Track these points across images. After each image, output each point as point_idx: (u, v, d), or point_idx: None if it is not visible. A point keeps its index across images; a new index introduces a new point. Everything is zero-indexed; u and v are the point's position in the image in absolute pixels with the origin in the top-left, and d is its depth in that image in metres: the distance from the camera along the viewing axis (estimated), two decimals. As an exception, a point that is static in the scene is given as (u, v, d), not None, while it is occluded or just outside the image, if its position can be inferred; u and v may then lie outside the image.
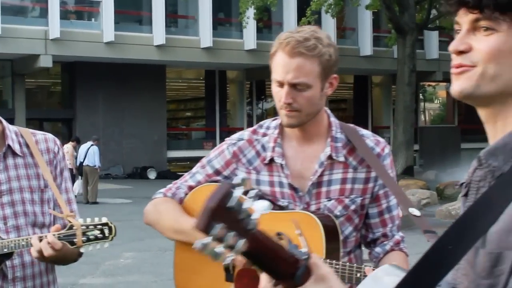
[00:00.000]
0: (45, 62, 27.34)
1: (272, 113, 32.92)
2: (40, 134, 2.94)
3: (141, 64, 30.19)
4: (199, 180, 2.70)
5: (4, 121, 2.87)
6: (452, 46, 1.32)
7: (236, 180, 1.33)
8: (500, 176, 1.24)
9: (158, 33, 29.40)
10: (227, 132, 35.27)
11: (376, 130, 34.40)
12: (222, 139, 30.09)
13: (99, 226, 2.61)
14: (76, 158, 21.13)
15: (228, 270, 2.51)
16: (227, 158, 2.68)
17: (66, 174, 2.96)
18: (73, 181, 20.88)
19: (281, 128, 2.64)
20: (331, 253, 2.42)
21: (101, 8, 28.80)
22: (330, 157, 2.57)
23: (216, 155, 2.71)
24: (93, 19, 29.90)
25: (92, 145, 20.96)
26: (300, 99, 2.46)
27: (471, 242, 1.19)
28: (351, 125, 2.73)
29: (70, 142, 21.63)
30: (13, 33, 26.55)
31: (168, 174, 30.16)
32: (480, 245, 1.23)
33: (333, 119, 2.65)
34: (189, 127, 36.58)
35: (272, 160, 2.61)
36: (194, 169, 2.75)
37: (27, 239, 2.65)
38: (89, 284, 9.72)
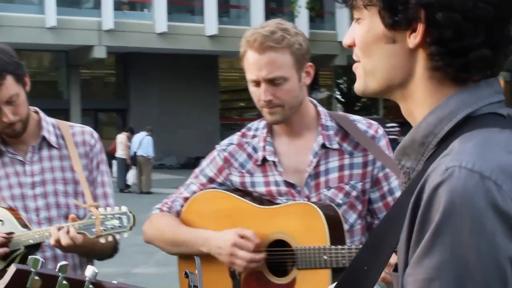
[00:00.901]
0: (99, 53, 27.64)
1: (326, 103, 32.75)
2: (78, 127, 2.92)
3: (193, 55, 30.29)
4: (194, 190, 2.67)
5: (41, 113, 2.88)
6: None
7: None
8: (409, 182, 1.22)
9: (211, 23, 29.43)
10: (279, 122, 35.27)
11: None
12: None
13: (117, 215, 2.56)
14: (129, 148, 21.30)
15: (235, 276, 2.47)
16: (219, 164, 2.65)
17: (104, 167, 2.92)
18: (127, 171, 21.11)
19: (269, 126, 2.61)
20: (336, 242, 2.38)
21: (154, -2, 28.97)
22: (323, 146, 2.53)
23: (208, 163, 2.69)
24: (146, 10, 30.09)
25: (146, 135, 21.13)
26: (280, 93, 2.43)
27: (383, 261, 1.22)
28: (341, 113, 2.69)
29: (124, 133, 21.85)
30: (68, 25, 26.89)
31: (221, 164, 30.29)
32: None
33: (320, 108, 2.60)
34: (242, 117, 36.60)
35: (264, 160, 2.57)
36: (188, 181, 2.72)
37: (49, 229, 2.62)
38: (142, 273, 9.77)
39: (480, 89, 1.22)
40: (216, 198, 2.61)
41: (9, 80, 2.64)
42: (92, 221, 2.56)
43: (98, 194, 2.86)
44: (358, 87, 1.32)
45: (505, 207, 1.07)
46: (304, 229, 2.40)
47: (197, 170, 2.71)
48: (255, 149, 2.61)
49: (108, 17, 27.53)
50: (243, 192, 2.59)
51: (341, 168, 2.53)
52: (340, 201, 2.51)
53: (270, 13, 32.09)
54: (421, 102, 1.24)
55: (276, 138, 2.60)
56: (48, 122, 2.87)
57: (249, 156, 2.62)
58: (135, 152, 21.03)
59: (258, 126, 2.66)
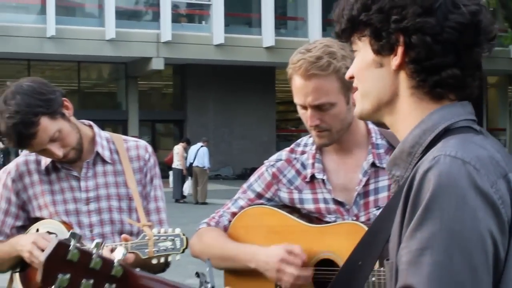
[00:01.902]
0: (157, 64, 27.93)
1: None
2: (132, 141, 2.92)
3: (250, 66, 30.40)
4: (242, 205, 2.65)
5: (95, 127, 2.90)
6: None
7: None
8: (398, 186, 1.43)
9: (268, 35, 29.50)
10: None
11: (491, 132, 33.14)
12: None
13: (170, 237, 2.55)
14: (186, 159, 21.44)
15: None
16: (267, 180, 2.63)
17: (157, 182, 2.91)
18: (183, 182, 21.24)
19: None
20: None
21: (211, 11, 29.16)
22: (373, 165, 2.50)
23: (256, 179, 2.67)
24: (203, 22, 30.31)
25: (202, 146, 21.24)
26: (327, 118, 2.42)
27: (375, 255, 1.47)
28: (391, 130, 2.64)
29: (181, 143, 22.01)
30: (127, 37, 27.27)
31: (277, 176, 30.26)
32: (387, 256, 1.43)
33: (371, 126, 2.58)
34: (298, 128, 36.53)
35: (313, 177, 2.55)
36: (235, 196, 2.70)
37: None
38: (195, 284, 9.80)
39: (456, 108, 1.44)
40: (263, 214, 2.58)
41: (44, 121, 2.65)
42: (145, 241, 2.55)
43: (151, 209, 2.85)
44: (356, 111, 1.54)
45: (483, 187, 1.28)
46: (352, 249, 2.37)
47: (245, 185, 2.69)
48: (304, 166, 2.59)
49: (166, 29, 27.81)
50: (291, 208, 2.57)
51: (390, 187, 2.47)
52: None
53: (327, 24, 32.04)
54: (405, 117, 1.46)
55: (326, 155, 2.58)
56: (102, 137, 2.88)
57: (298, 172, 2.60)
58: (191, 163, 21.14)
59: (307, 142, 2.65)
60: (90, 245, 2.68)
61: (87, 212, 2.78)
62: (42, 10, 26.87)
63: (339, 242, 2.40)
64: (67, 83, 29.89)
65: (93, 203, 2.78)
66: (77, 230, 2.72)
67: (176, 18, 29.10)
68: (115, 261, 1.63)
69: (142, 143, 2.93)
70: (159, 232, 2.56)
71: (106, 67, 31.53)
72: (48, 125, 2.65)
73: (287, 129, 36.22)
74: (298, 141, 2.69)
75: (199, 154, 21.05)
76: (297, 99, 2.45)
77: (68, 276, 1.57)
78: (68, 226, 2.73)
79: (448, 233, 1.26)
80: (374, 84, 1.48)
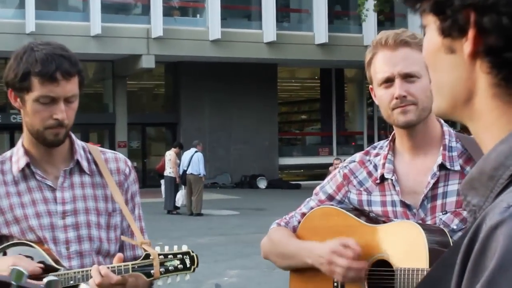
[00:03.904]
0: (147, 62, 27.99)
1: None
2: (110, 153, 2.91)
3: (250, 63, 30.44)
4: (312, 206, 2.82)
5: (73, 135, 2.84)
6: None
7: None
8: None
9: (269, 29, 29.56)
10: (345, 137, 35.09)
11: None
12: (339, 145, 29.85)
13: (179, 256, 2.55)
14: (179, 166, 21.44)
15: None
16: (338, 181, 2.79)
17: (138, 199, 2.91)
18: (176, 191, 21.24)
19: (391, 144, 2.71)
20: None
21: (207, 3, 29.21)
22: (444, 167, 2.60)
23: (329, 180, 2.84)
24: (198, 16, 30.38)
25: (196, 151, 21.21)
26: (414, 90, 2.54)
27: None
28: (471, 136, 2.71)
29: (173, 149, 21.98)
30: (114, 33, 27.32)
31: (280, 183, 30.27)
32: None
33: (446, 128, 2.68)
34: (303, 131, 36.59)
35: (383, 178, 2.68)
36: (309, 198, 2.88)
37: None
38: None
39: None
40: (330, 215, 2.75)
41: (77, 79, 2.67)
42: (150, 261, 2.52)
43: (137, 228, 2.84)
44: (433, 107, 1.27)
45: None
46: (406, 250, 2.50)
47: (318, 188, 2.86)
48: (375, 167, 2.73)
49: (157, 24, 27.87)
50: (360, 211, 2.72)
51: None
52: (455, 227, 2.56)
53: (334, 17, 32.10)
54: (489, 126, 1.16)
55: (397, 156, 2.70)
56: (79, 145, 2.85)
57: (369, 174, 2.74)
58: (184, 170, 21.12)
59: (383, 145, 2.77)
60: (69, 264, 2.65)
61: (63, 227, 2.72)
62: (20, 4, 26.94)
63: (394, 242, 2.55)
64: (49, 84, 29.88)
65: (70, 217, 2.73)
66: (52, 247, 2.68)
67: (168, 11, 29.17)
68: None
69: (121, 156, 2.94)
70: (163, 251, 2.54)
71: (91, 65, 31.52)
72: (76, 84, 2.68)
73: (291, 132, 36.26)
74: (375, 144, 2.84)
75: (193, 161, 21.03)
76: (382, 73, 2.57)
77: None
78: (46, 248, 2.67)
79: None
80: (446, 75, 1.20)
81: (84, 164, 2.80)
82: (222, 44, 28.83)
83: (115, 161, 2.87)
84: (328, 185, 2.81)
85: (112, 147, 29.92)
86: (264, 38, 29.54)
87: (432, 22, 1.18)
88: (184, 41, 28.28)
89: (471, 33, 1.11)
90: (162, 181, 22.31)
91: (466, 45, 1.13)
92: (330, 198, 2.79)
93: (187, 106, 30.80)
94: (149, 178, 30.05)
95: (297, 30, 31.00)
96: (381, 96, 2.59)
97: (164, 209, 21.35)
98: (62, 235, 2.71)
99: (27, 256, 2.62)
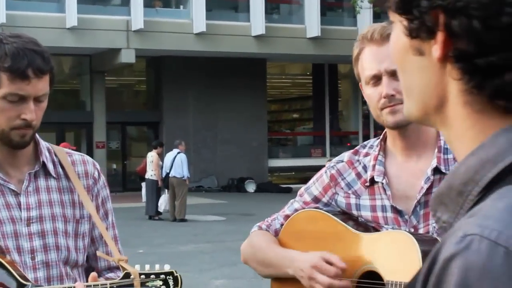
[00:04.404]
0: (127, 57, 27.92)
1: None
2: (77, 155, 2.86)
3: (237, 58, 30.45)
4: (296, 208, 2.80)
5: (37, 136, 2.77)
6: None
7: None
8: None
9: (257, 21, 29.57)
10: (338, 137, 35.15)
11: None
12: (333, 145, 30.04)
13: (162, 276, 2.51)
14: (161, 168, 21.39)
15: None
16: (325, 182, 2.76)
17: (110, 205, 2.87)
18: (159, 195, 21.22)
19: (382, 144, 2.68)
20: None
21: (192, -7, 29.22)
22: (438, 171, 2.56)
23: (314, 181, 2.81)
24: (181, 7, 30.35)
25: (178, 152, 21.17)
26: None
27: None
28: None
29: (154, 150, 21.91)
30: (91, 25, 27.24)
31: (269, 187, 30.28)
32: None
33: None
34: (294, 131, 36.63)
35: (373, 181, 2.65)
36: (292, 199, 2.86)
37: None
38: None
39: None
40: (315, 219, 2.73)
41: (47, 77, 2.63)
42: (130, 281, 2.48)
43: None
44: (404, 111, 1.25)
45: None
46: (398, 262, 2.48)
47: (302, 188, 2.85)
48: (365, 169, 2.71)
49: (137, 15, 27.80)
50: (347, 215, 2.70)
51: None
52: None
53: (327, 9, 32.14)
54: (461, 135, 1.14)
55: (389, 158, 2.68)
56: (44, 146, 2.79)
57: (358, 175, 2.72)
58: (167, 173, 21.09)
59: (373, 144, 2.75)
60: (35, 275, 2.57)
61: (27, 235, 2.65)
62: (-10, -7, 26.87)
63: (385, 253, 2.52)
64: (21, 80, 29.80)
65: (35, 224, 2.67)
66: (15, 257, 2.61)
67: (149, 2, 29.13)
68: None
69: (89, 158, 2.89)
70: (144, 269, 2.50)
71: (67, 60, 31.48)
72: (47, 83, 2.63)
73: (281, 132, 36.32)
74: (365, 142, 2.80)
75: (176, 162, 20.99)
76: (369, 71, 2.55)
77: None
78: (9, 261, 2.57)
79: None
80: (415, 78, 1.17)
81: (50, 166, 2.74)
82: (207, 37, 28.81)
83: (83, 163, 2.82)
84: (314, 186, 2.79)
85: (89, 147, 29.88)
86: (252, 31, 29.55)
87: (398, 21, 1.16)
88: (166, 34, 28.23)
89: (440, 36, 1.09)
90: (143, 184, 22.27)
91: (435, 49, 1.11)
92: (316, 200, 2.77)
93: (170, 104, 30.78)
94: (129, 181, 30.05)
95: (287, 22, 31.03)
96: (370, 95, 2.58)
97: (145, 214, 21.32)
98: (26, 244, 2.65)
99: None
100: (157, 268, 2.51)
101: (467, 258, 0.97)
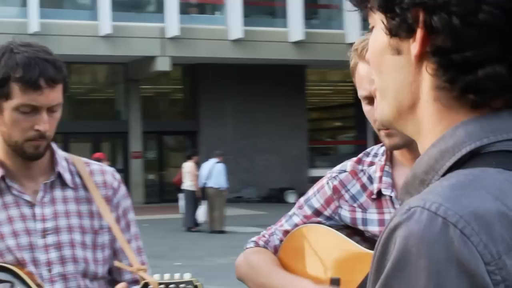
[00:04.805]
0: (162, 65, 28.09)
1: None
2: (95, 165, 2.85)
3: (275, 65, 30.44)
4: (296, 223, 2.70)
5: (53, 145, 2.79)
6: None
7: None
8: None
9: (296, 27, 29.55)
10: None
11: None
12: (375, 154, 29.71)
13: (181, 285, 2.48)
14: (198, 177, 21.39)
15: None
16: (327, 194, 2.66)
17: (133, 216, 2.87)
18: (196, 206, 21.23)
19: (388, 153, 2.61)
20: None
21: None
22: None
23: (315, 192, 2.71)
24: (217, 13, 30.46)
25: (217, 162, 21.18)
26: None
27: None
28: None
29: (190, 160, 21.92)
30: (125, 32, 27.42)
31: (310, 197, 30.18)
32: None
33: None
34: (335, 139, 36.53)
35: (380, 194, 2.57)
36: (291, 211, 2.75)
37: None
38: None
39: (499, 120, 1.17)
40: (318, 234, 2.65)
41: (61, 86, 2.62)
42: None
43: (132, 249, 2.79)
44: (376, 114, 1.31)
45: (471, 264, 1.03)
46: None
47: (302, 199, 2.75)
48: (370, 180, 2.63)
49: (172, 22, 27.97)
50: (353, 230, 2.62)
51: None
52: None
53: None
54: (427, 131, 1.22)
55: (396, 168, 2.61)
56: (61, 156, 2.79)
57: (363, 187, 2.63)
58: (204, 183, 21.09)
59: (377, 152, 2.68)
60: None
61: (44, 246, 2.66)
62: (23, 1, 27.13)
63: None
64: (55, 89, 30.06)
65: (52, 236, 2.67)
66: (32, 269, 2.62)
67: (185, 8, 29.26)
68: None
69: (108, 168, 2.89)
70: (162, 279, 2.48)
71: (101, 68, 31.75)
72: (60, 92, 2.62)
73: (322, 141, 36.23)
74: (368, 150, 2.72)
75: (214, 173, 20.98)
76: (362, 90, 2.51)
77: None
78: (27, 272, 2.59)
79: None
80: (391, 78, 1.24)
81: (67, 176, 2.74)
82: (244, 44, 28.85)
83: (102, 173, 2.82)
84: (315, 198, 2.70)
85: (125, 157, 30.06)
86: (291, 37, 29.52)
87: (379, 21, 1.23)
88: (202, 41, 28.31)
89: (419, 33, 1.17)
90: (180, 195, 22.30)
91: (414, 46, 1.18)
92: (317, 213, 2.68)
93: (208, 113, 30.85)
94: (166, 192, 30.14)
95: (327, 28, 30.98)
96: (367, 112, 2.53)
97: (183, 226, 21.36)
98: (43, 256, 2.65)
99: (5, 281, 2.57)
100: (176, 277, 2.49)
101: (408, 226, 1.06)
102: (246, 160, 30.97)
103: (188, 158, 22.17)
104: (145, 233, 19.01)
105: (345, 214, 2.63)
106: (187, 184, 21.51)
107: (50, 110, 2.59)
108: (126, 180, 29.45)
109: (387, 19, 1.20)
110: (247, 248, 2.77)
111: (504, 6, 1.13)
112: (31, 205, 2.69)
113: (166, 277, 2.48)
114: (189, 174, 21.54)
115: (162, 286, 2.47)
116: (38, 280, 2.58)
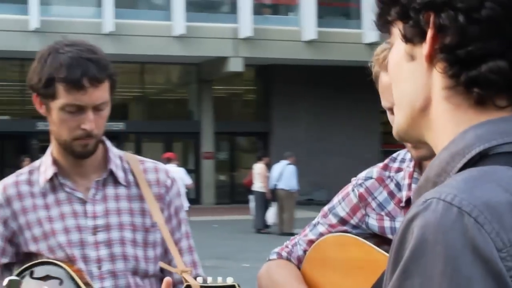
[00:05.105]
0: (235, 65, 28.23)
1: None
2: (150, 162, 2.86)
3: (349, 67, 30.27)
4: (321, 232, 2.62)
5: (108, 143, 2.83)
6: None
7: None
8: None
9: (370, 28, 29.36)
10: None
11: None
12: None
13: None
14: (269, 179, 21.38)
15: None
16: (353, 202, 2.59)
17: (184, 215, 2.87)
18: (266, 208, 21.24)
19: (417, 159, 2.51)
20: None
21: (300, 0, 29.25)
22: None
23: (340, 200, 2.63)
24: (291, 14, 30.44)
25: (288, 164, 21.13)
26: None
27: None
28: None
29: (261, 161, 21.94)
30: (198, 33, 27.60)
31: (383, 200, 29.97)
32: None
33: None
34: (408, 142, 36.16)
35: (409, 202, 2.44)
36: (315, 220, 2.67)
37: None
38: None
39: (506, 124, 1.23)
40: (345, 244, 2.57)
41: (107, 84, 2.65)
42: None
43: (182, 248, 2.81)
44: (394, 128, 1.39)
45: (485, 250, 1.09)
46: None
47: (326, 208, 2.66)
48: (398, 187, 2.54)
49: (245, 23, 28.10)
50: (381, 239, 2.53)
51: None
52: None
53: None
54: (439, 132, 1.30)
55: None
56: (115, 154, 2.82)
57: (391, 194, 2.55)
58: (275, 185, 21.06)
59: (404, 157, 2.58)
60: (101, 285, 2.59)
61: (94, 243, 2.69)
62: (97, 1, 27.53)
63: None
64: (129, 89, 30.46)
65: (102, 233, 2.70)
66: (81, 266, 2.65)
67: (258, 9, 29.31)
68: None
69: (162, 166, 2.91)
70: (205, 282, 2.43)
71: (174, 68, 31.99)
72: (106, 90, 2.65)
73: (395, 144, 35.42)
74: (394, 155, 2.63)
75: (285, 174, 20.91)
76: (385, 102, 2.44)
77: None
78: (75, 269, 2.60)
79: None
80: (406, 84, 1.33)
81: (120, 174, 2.77)
82: (317, 45, 28.78)
83: (155, 171, 2.83)
84: (340, 206, 2.61)
85: (197, 158, 30.28)
86: (365, 39, 29.35)
87: (397, 35, 1.32)
88: (275, 42, 28.32)
89: (429, 33, 1.25)
90: (251, 197, 22.35)
91: (424, 47, 1.26)
92: (343, 222, 2.59)
93: (280, 114, 30.87)
94: (237, 193, 30.19)
95: (403, 29, 30.72)
96: (391, 122, 2.33)
97: (253, 228, 21.39)
98: (93, 253, 2.69)
99: (55, 278, 2.58)
100: (219, 280, 2.44)
101: (425, 216, 1.13)
102: (317, 162, 30.88)
103: (259, 159, 22.18)
104: (214, 234, 19.12)
105: (373, 222, 2.55)
106: (257, 185, 21.49)
107: (96, 108, 2.62)
108: (197, 181, 29.67)
109: (403, 26, 1.28)
110: (269, 260, 2.70)
111: (505, 3, 1.20)
112: (83, 202, 2.73)
113: (209, 280, 2.44)
114: (259, 176, 21.52)
115: None
116: (86, 278, 2.59)
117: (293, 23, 29.46)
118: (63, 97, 2.60)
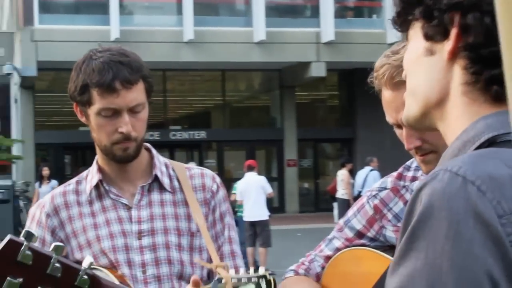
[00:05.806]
0: (318, 70, 28.20)
1: None
2: (196, 169, 2.92)
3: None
4: (337, 247, 2.61)
5: (153, 150, 2.89)
6: None
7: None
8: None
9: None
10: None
11: None
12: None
13: (254, 279, 2.48)
14: (353, 186, 21.32)
15: None
16: (368, 215, 2.56)
17: (229, 220, 2.90)
18: (351, 215, 21.10)
19: None
20: None
21: (385, 1, 29.10)
22: None
23: (355, 213, 2.60)
24: (374, 16, 30.29)
25: (371, 170, 21.01)
26: (429, 137, 2.26)
27: None
28: None
29: (344, 168, 21.88)
30: (279, 38, 27.70)
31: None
32: None
33: None
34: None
35: None
36: (331, 234, 2.65)
37: None
38: None
39: None
40: (364, 258, 2.54)
41: (141, 85, 2.69)
42: (221, 285, 2.48)
43: (224, 252, 2.85)
44: (404, 113, 1.52)
45: (486, 214, 1.21)
46: None
47: (341, 221, 2.64)
48: None
49: (328, 26, 28.05)
50: None
51: None
52: None
53: None
54: (452, 123, 1.42)
55: None
56: (161, 161, 2.88)
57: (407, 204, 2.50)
58: (359, 192, 20.95)
59: (419, 166, 2.50)
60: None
61: (138, 248, 2.74)
62: (179, 9, 27.84)
63: None
64: (210, 97, 30.73)
65: (147, 238, 2.75)
66: (125, 270, 2.70)
67: (340, 12, 29.27)
68: (82, 269, 1.75)
69: (209, 171, 2.94)
70: (237, 273, 2.49)
71: (256, 75, 32.11)
72: (141, 91, 2.69)
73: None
74: (408, 163, 2.59)
75: (368, 180, 20.78)
76: (389, 117, 2.38)
77: (19, 280, 1.70)
78: (119, 275, 2.63)
79: (433, 271, 1.21)
80: (422, 78, 1.45)
81: (165, 180, 2.83)
82: (402, 47, 28.54)
83: (201, 176, 2.88)
84: (355, 218, 2.59)
85: (280, 166, 30.33)
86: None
87: (415, 34, 1.45)
88: (359, 46, 28.16)
89: (453, 31, 1.37)
90: (335, 204, 22.28)
91: (448, 44, 1.38)
92: (360, 235, 2.58)
93: (364, 119, 30.69)
94: (322, 200, 30.16)
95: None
96: (399, 135, 2.38)
97: (338, 235, 21.28)
98: (137, 257, 2.73)
99: None
100: (251, 272, 2.50)
101: (432, 185, 1.26)
102: (404, 168, 30.62)
103: (342, 166, 22.11)
104: (298, 242, 19.05)
105: (390, 235, 2.52)
106: (341, 192, 21.41)
107: (132, 111, 2.67)
108: (281, 189, 29.73)
109: (425, 25, 1.41)
110: (285, 278, 2.69)
111: None
112: (128, 208, 2.79)
113: (241, 271, 2.51)
114: (342, 182, 21.43)
115: (234, 280, 2.48)
116: (129, 284, 2.63)
117: (376, 25, 29.27)
118: (98, 102, 2.65)
